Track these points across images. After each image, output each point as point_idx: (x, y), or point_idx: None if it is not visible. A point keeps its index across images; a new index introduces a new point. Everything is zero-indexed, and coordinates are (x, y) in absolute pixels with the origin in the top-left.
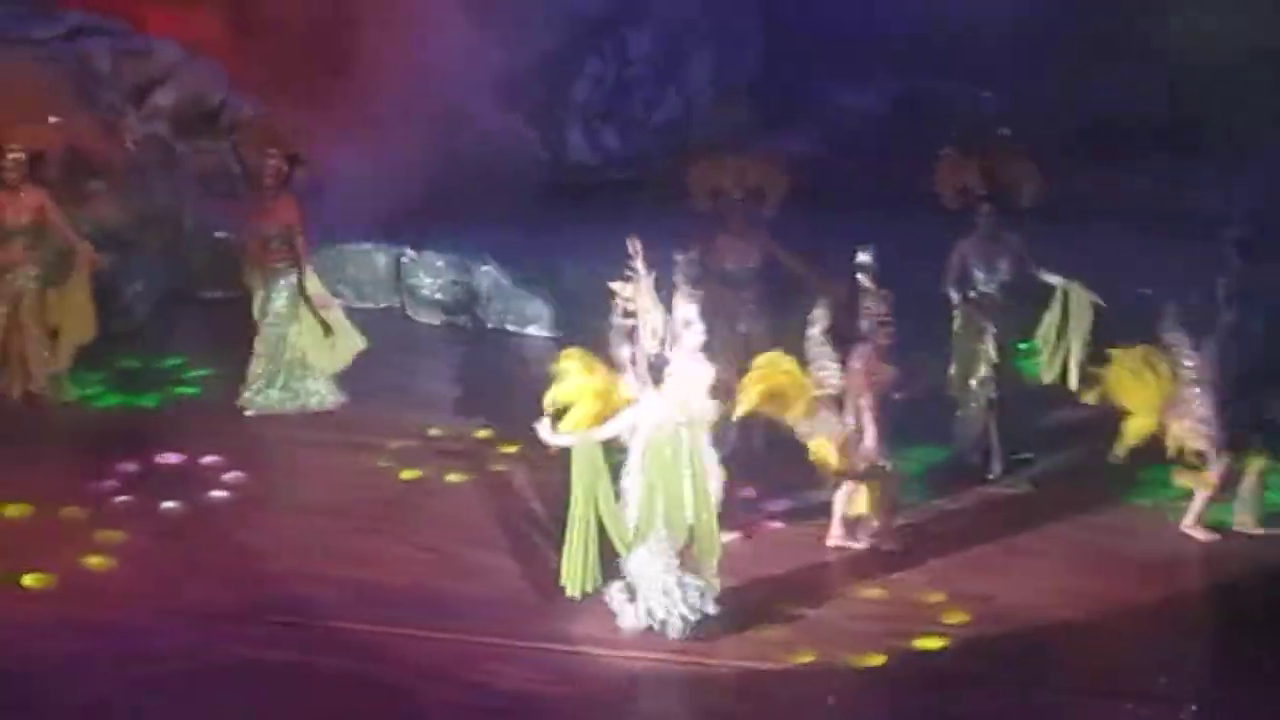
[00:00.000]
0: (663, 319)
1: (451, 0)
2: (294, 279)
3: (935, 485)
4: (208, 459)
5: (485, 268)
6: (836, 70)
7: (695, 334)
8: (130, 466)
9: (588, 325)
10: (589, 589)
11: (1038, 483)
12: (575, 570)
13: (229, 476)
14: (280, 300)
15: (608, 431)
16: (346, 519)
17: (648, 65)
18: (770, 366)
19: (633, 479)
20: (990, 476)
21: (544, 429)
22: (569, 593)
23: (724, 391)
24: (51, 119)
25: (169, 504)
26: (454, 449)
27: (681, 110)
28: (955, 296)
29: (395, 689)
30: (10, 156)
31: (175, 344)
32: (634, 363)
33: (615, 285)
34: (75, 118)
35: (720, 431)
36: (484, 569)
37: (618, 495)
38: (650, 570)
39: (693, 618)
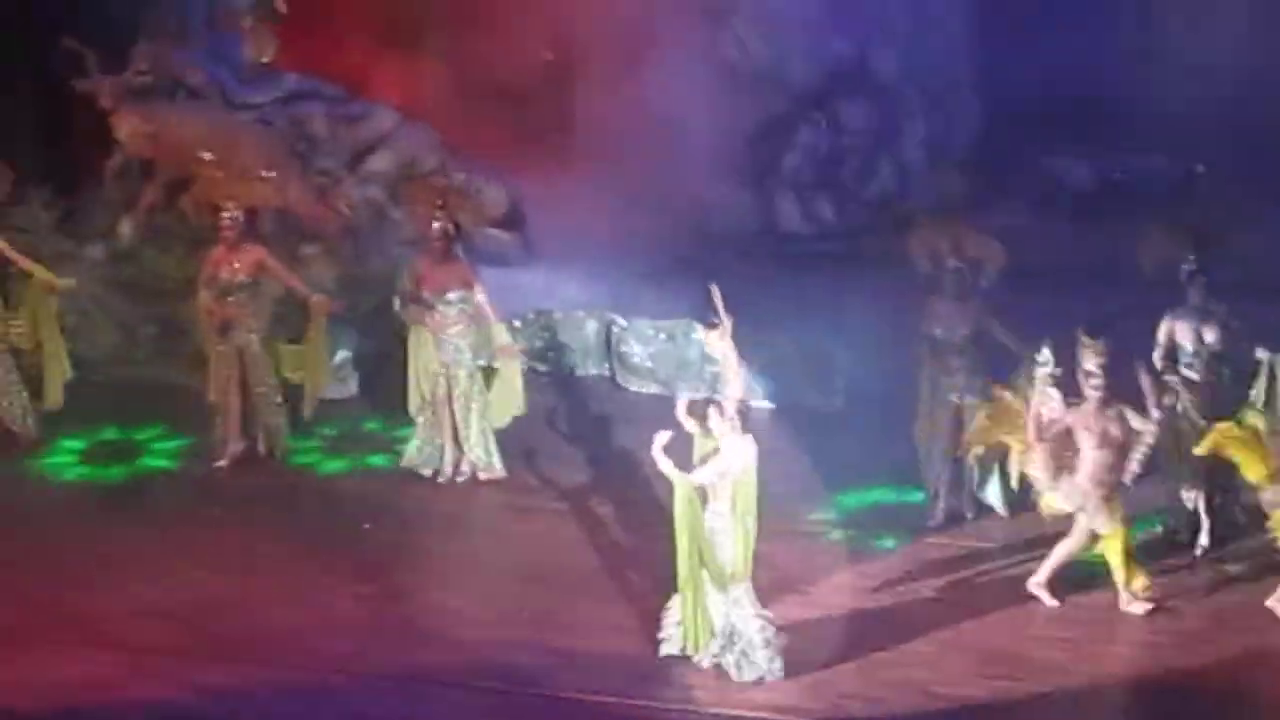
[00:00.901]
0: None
1: (667, 67)
2: (468, 340)
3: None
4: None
5: (696, 335)
6: (1050, 143)
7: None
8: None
9: (802, 393)
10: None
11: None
12: (694, 631)
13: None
14: (463, 369)
15: (703, 476)
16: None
17: (861, 136)
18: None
19: (724, 521)
20: (1197, 553)
21: (663, 459)
22: (695, 658)
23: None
24: (264, 173)
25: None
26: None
27: (895, 181)
28: (1162, 368)
29: None
30: (227, 215)
31: (380, 407)
32: (721, 409)
33: (701, 332)
34: (290, 182)
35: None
36: None
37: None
38: (748, 614)
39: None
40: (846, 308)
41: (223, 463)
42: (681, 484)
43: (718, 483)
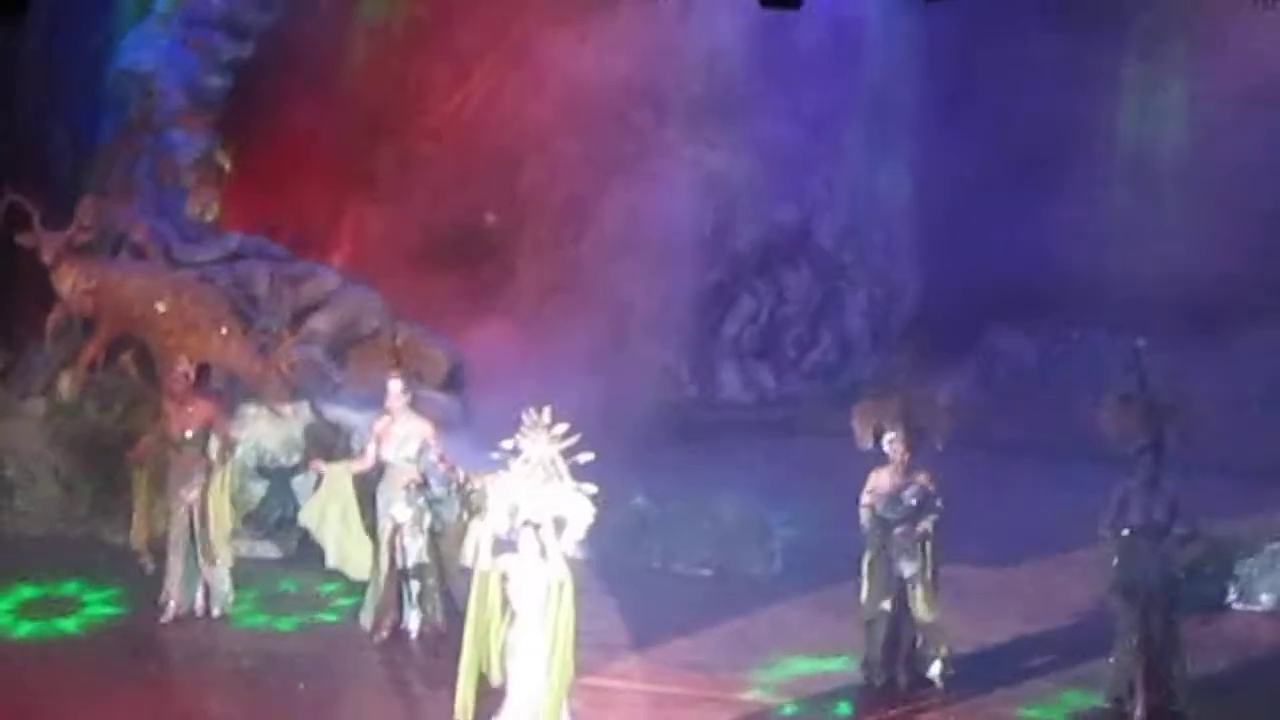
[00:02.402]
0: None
1: (605, 234)
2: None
3: None
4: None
5: (636, 500)
6: (992, 316)
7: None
8: None
9: (744, 559)
10: None
11: None
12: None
13: None
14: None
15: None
16: None
17: (802, 305)
18: None
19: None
20: None
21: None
22: None
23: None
24: (222, 330)
25: None
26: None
27: (835, 353)
28: (1108, 535)
29: None
30: (179, 369)
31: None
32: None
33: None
34: (232, 340)
35: None
36: None
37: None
38: None
39: None
40: (784, 474)
41: (166, 618)
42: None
43: (524, 599)
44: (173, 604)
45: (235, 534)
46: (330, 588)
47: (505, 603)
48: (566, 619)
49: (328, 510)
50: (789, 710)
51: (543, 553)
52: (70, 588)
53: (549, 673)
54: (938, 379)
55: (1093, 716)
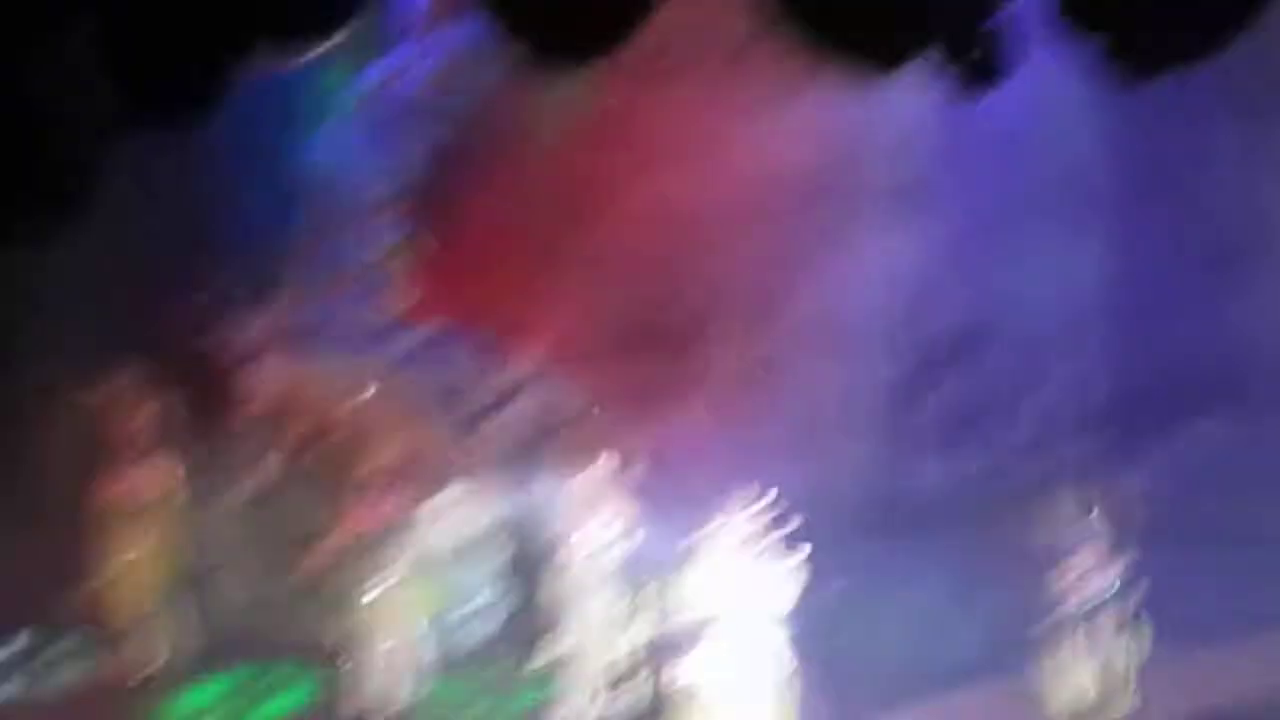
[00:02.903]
0: None
1: (796, 324)
2: None
3: None
4: None
5: (836, 586)
6: (1189, 403)
7: None
8: None
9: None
10: None
11: None
12: None
13: None
14: None
15: None
16: None
17: (999, 386)
18: None
19: None
20: None
21: None
22: None
23: None
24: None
25: None
26: None
27: (1033, 438)
28: None
29: None
30: (376, 460)
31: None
32: None
33: None
34: (430, 432)
35: None
36: None
37: None
38: None
39: None
40: (986, 559)
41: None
42: None
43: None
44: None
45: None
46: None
47: None
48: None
49: None
50: None
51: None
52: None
53: None
54: (1133, 468)
55: None
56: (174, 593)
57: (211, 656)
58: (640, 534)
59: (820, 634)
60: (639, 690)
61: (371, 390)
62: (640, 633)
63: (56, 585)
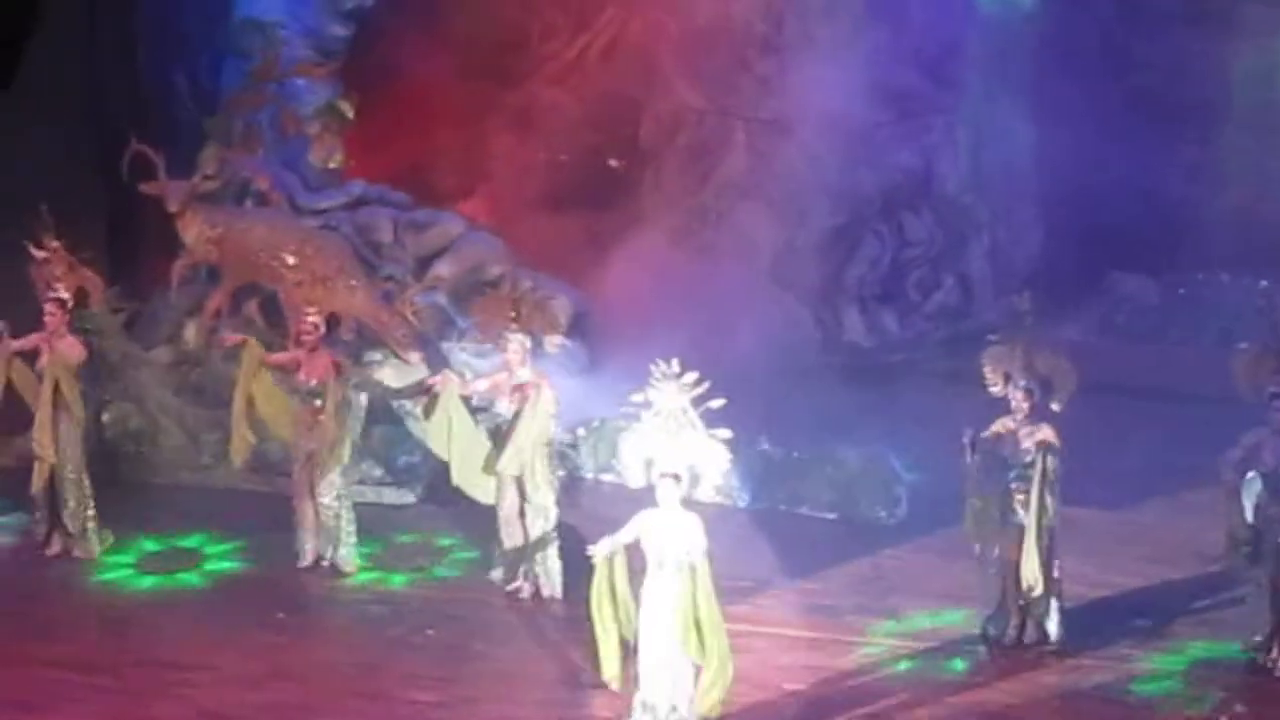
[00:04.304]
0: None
1: (729, 180)
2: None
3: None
4: None
5: (763, 445)
6: (1114, 260)
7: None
8: None
9: (869, 504)
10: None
11: None
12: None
13: None
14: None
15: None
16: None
17: (925, 248)
18: None
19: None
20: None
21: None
22: None
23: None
24: (350, 280)
25: None
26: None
27: (958, 296)
28: (1234, 479)
29: None
30: (309, 319)
31: (444, 522)
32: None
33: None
34: (357, 288)
35: None
36: None
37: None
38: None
39: None
40: (909, 420)
41: (303, 564)
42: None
43: (663, 554)
44: (308, 549)
45: (360, 481)
46: (449, 541)
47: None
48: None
49: (452, 429)
50: (904, 666)
51: (679, 503)
52: (193, 540)
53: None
54: (1061, 324)
55: (1226, 666)
56: (104, 452)
57: (141, 520)
58: (571, 395)
59: (753, 490)
60: (550, 561)
61: (301, 247)
62: (570, 493)
63: None
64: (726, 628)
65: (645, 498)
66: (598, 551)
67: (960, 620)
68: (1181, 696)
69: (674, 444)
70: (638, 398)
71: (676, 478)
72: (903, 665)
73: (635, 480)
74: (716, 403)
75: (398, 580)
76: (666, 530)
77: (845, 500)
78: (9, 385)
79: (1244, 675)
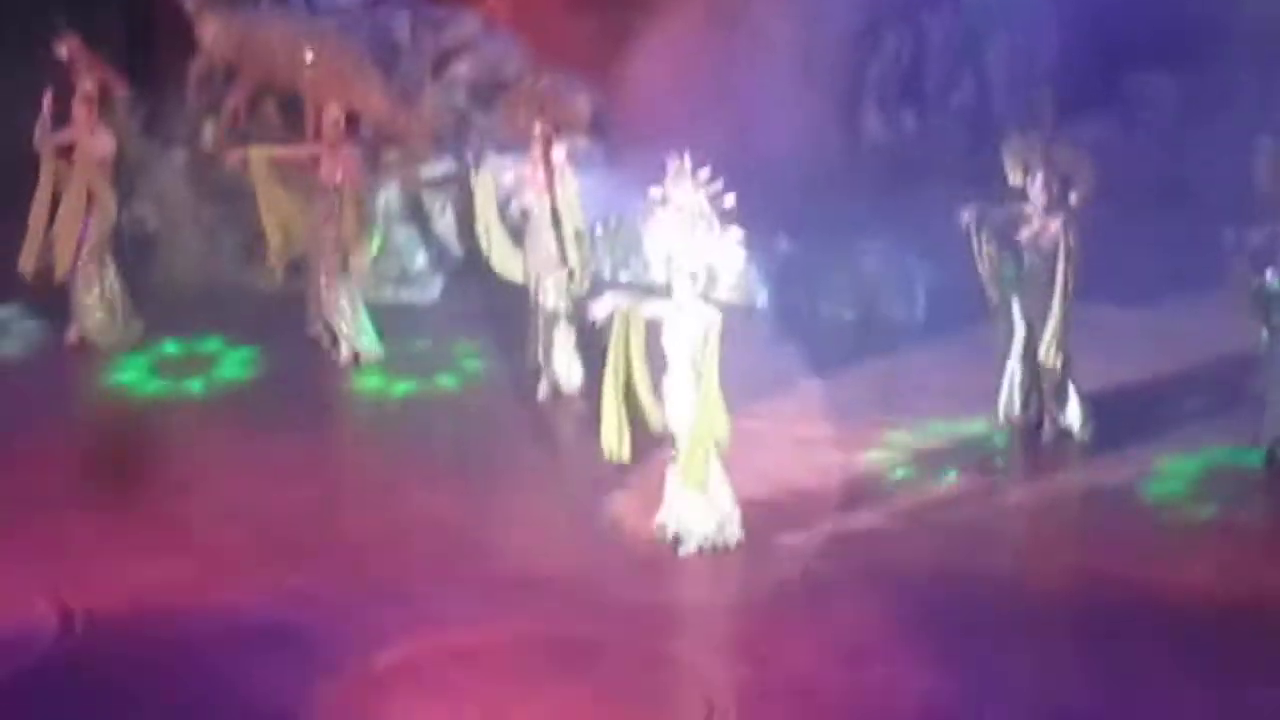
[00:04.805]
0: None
1: None
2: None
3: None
4: None
5: (782, 244)
6: (1133, 59)
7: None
8: None
9: (887, 303)
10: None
11: None
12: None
13: None
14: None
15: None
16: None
17: (944, 47)
18: None
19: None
20: None
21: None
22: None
23: None
24: (369, 81)
25: None
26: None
27: (976, 95)
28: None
29: None
30: (332, 115)
31: (463, 325)
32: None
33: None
34: (374, 87)
35: None
36: None
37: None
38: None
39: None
40: (927, 219)
41: (340, 358)
42: (620, 312)
43: (682, 346)
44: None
45: (379, 280)
46: (466, 344)
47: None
48: (713, 362)
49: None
50: (922, 463)
51: (696, 298)
52: (212, 343)
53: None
54: (1080, 122)
55: (1238, 469)
56: (122, 252)
57: (159, 322)
58: (590, 193)
59: (771, 289)
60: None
61: (319, 47)
62: (587, 291)
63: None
64: (742, 424)
65: (656, 291)
66: (598, 310)
67: (977, 418)
68: (1191, 498)
69: (691, 240)
70: (655, 193)
71: (694, 275)
72: (920, 462)
73: (657, 274)
74: (729, 200)
75: (414, 383)
76: (684, 325)
77: (863, 299)
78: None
79: (1257, 476)
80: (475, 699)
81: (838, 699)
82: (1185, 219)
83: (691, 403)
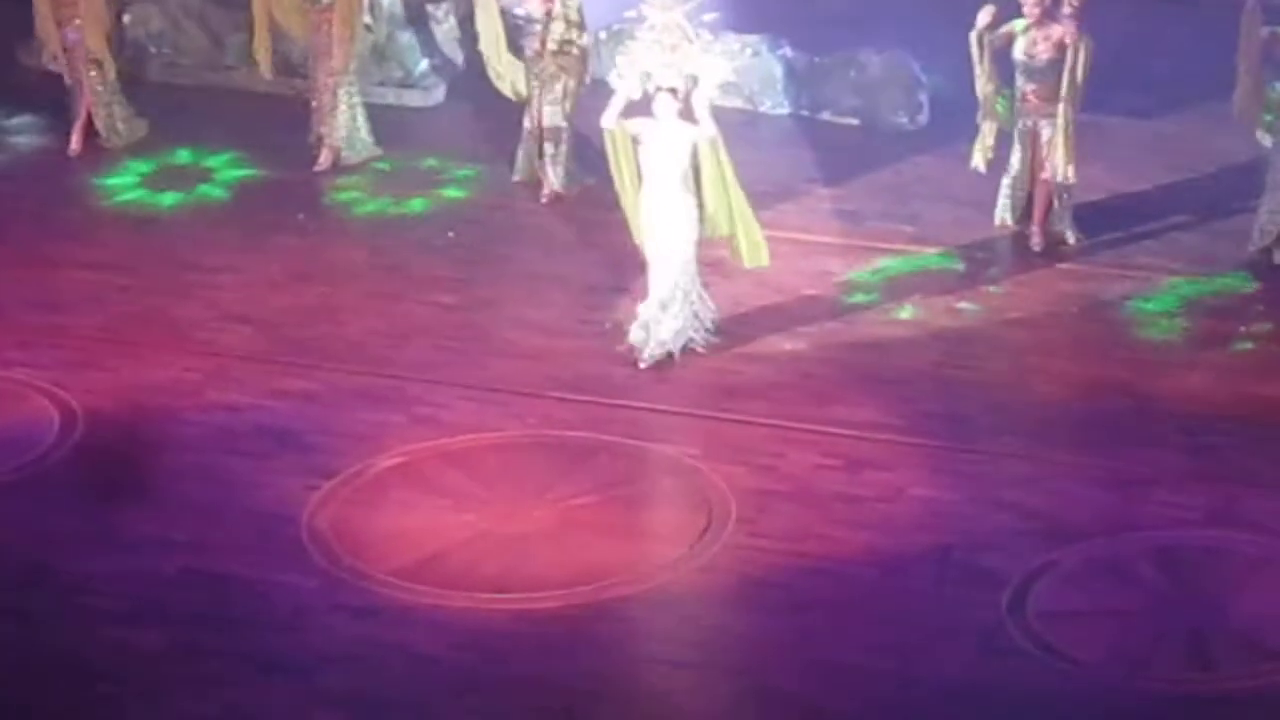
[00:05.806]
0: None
1: None
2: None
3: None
4: None
5: (784, 50)
6: None
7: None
8: None
9: (890, 109)
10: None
11: None
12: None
13: None
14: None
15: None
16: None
17: None
18: None
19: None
20: None
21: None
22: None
23: None
24: None
25: None
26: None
27: None
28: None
29: None
30: None
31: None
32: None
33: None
34: None
35: None
36: None
37: None
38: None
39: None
40: (931, 24)
41: (320, 166)
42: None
43: (659, 162)
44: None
45: (381, 83)
46: (468, 149)
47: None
48: (726, 171)
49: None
50: (924, 270)
51: (681, 116)
52: (215, 146)
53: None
54: None
55: (1238, 264)
56: (125, 54)
57: (162, 126)
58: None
59: (774, 96)
60: (563, 162)
61: None
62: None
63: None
64: None
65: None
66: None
67: (979, 226)
68: (1182, 312)
69: (670, 58)
70: (631, 14)
71: (674, 91)
72: (923, 269)
73: (633, 93)
74: (710, 16)
75: (416, 192)
76: (663, 142)
77: (867, 106)
78: None
79: (1254, 286)
80: (473, 500)
81: (836, 502)
82: (1198, 22)
83: (668, 220)
